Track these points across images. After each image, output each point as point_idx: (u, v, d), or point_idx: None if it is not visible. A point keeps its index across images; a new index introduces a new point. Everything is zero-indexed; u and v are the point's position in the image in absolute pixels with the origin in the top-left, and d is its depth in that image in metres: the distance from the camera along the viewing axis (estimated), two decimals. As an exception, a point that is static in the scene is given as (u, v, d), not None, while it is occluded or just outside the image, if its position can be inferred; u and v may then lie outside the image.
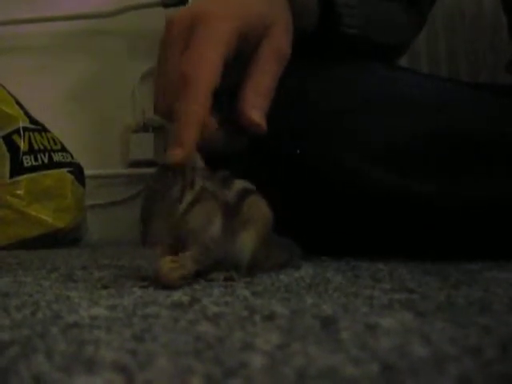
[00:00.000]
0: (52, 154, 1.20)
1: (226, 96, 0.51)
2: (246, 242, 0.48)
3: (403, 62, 1.02)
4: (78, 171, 1.25)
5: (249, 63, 0.53)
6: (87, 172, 1.31)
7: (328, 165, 0.65)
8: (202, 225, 0.45)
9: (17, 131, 1.15)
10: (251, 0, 0.55)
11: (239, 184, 0.50)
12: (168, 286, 0.42)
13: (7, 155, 1.14)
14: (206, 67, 0.48)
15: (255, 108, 0.51)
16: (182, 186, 0.43)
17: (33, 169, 1.15)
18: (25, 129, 1.16)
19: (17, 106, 1.19)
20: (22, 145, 1.15)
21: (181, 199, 0.43)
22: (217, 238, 0.46)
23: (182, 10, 0.53)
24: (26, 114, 1.19)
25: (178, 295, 0.39)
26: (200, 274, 0.46)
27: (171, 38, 0.52)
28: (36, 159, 1.16)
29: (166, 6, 1.41)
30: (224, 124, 0.51)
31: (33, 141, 1.17)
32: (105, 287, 0.44)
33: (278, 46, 0.54)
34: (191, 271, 0.44)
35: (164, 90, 0.51)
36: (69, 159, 1.24)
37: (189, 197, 0.43)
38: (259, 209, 0.50)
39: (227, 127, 0.52)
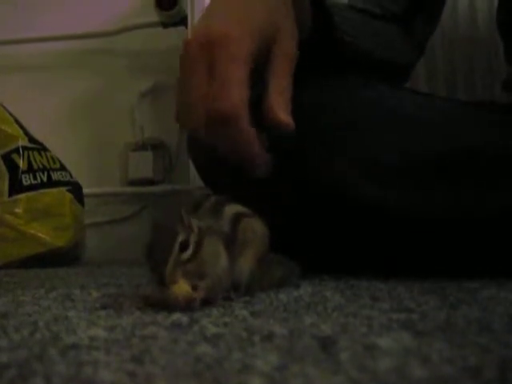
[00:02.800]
0: (51, 172, 1.20)
1: None
2: (244, 262, 0.49)
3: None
4: (76, 190, 1.25)
5: (265, 68, 0.57)
6: (86, 190, 1.31)
7: (327, 181, 0.65)
8: (213, 261, 0.45)
9: (16, 150, 1.16)
10: (257, 11, 0.58)
11: (230, 210, 0.50)
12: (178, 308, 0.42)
13: (6, 174, 1.14)
14: (237, 93, 0.53)
15: (282, 109, 0.56)
16: (185, 231, 0.44)
17: (32, 187, 1.15)
18: (24, 148, 1.17)
19: (16, 125, 1.19)
20: (21, 164, 1.15)
21: (187, 243, 0.43)
22: (226, 270, 0.46)
23: (197, 30, 0.56)
24: (26, 132, 1.20)
25: (176, 316, 0.39)
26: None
27: (192, 59, 0.55)
28: (35, 178, 1.17)
29: (165, 26, 1.42)
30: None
31: (32, 160, 1.17)
32: (104, 307, 0.44)
33: (287, 50, 0.58)
34: (201, 297, 0.44)
35: (189, 107, 0.55)
36: (68, 178, 1.24)
37: (193, 239, 0.44)
38: (254, 230, 0.51)
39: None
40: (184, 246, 0.43)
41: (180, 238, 0.43)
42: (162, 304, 0.42)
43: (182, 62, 0.56)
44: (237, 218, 0.50)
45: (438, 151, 0.65)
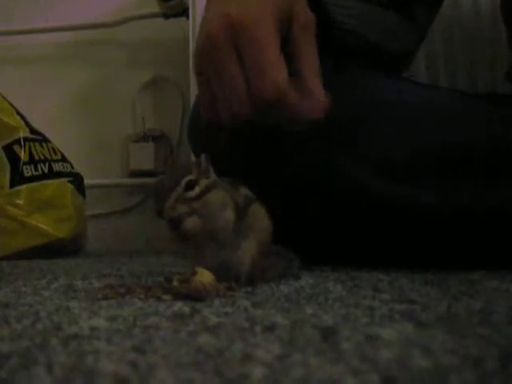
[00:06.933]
0: (52, 163, 1.20)
1: None
2: (246, 252, 0.49)
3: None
4: (78, 181, 1.25)
5: (289, 42, 0.56)
6: (87, 182, 1.31)
7: (329, 175, 0.65)
8: (218, 207, 0.47)
9: (17, 141, 1.16)
10: None
11: (244, 190, 0.51)
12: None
13: (8, 165, 1.14)
14: (276, 75, 0.52)
15: (320, 89, 0.55)
16: (198, 172, 0.45)
17: (33, 179, 1.15)
18: (25, 139, 1.17)
19: (17, 117, 1.19)
20: (23, 155, 1.15)
21: (195, 183, 0.45)
22: (231, 221, 0.48)
23: (214, 16, 0.55)
24: (27, 124, 1.20)
25: (178, 306, 0.39)
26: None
27: (219, 48, 0.54)
28: (36, 169, 1.16)
29: (166, 17, 1.41)
30: None
31: (33, 151, 1.17)
32: (105, 298, 0.44)
33: (306, 22, 0.58)
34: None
35: (225, 96, 0.54)
36: (69, 169, 1.24)
37: (203, 183, 0.45)
38: (261, 218, 0.51)
39: None
40: (191, 185, 0.43)
41: (187, 178, 0.43)
42: (188, 294, 0.43)
43: (207, 52, 0.55)
44: (249, 199, 0.51)
45: (437, 146, 0.64)
